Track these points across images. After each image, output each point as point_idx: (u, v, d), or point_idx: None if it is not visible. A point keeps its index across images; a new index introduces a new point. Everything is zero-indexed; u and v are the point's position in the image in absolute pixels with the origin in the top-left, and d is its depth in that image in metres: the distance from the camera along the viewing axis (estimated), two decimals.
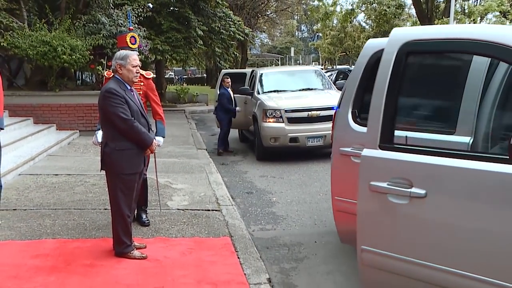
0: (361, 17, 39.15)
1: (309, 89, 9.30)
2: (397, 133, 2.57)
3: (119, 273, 3.48)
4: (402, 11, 32.10)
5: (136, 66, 3.65)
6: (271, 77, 9.86)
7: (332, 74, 18.70)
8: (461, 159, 2.26)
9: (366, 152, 2.58)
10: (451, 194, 2.29)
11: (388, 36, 2.68)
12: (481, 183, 2.18)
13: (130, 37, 5.34)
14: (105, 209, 4.87)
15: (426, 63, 3.04)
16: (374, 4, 32.22)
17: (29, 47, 9.35)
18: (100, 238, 4.19)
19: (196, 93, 22.02)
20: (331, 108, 7.22)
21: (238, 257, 3.82)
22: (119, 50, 4.03)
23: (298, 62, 47.40)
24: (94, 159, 7.43)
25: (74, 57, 9.56)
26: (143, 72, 4.54)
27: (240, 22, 19.46)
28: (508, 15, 25.66)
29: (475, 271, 2.21)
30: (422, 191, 2.33)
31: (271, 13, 35.72)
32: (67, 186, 5.93)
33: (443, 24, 17.97)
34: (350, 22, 38.26)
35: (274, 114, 8.07)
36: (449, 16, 17.95)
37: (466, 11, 26.06)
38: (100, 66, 10.41)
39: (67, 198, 5.40)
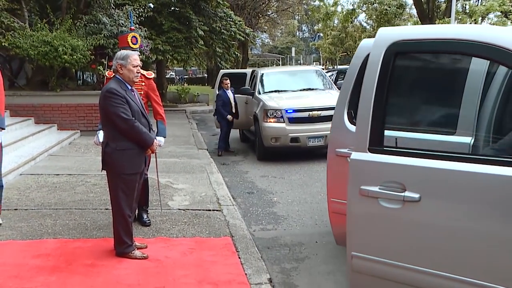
0: (362, 17, 39.17)
1: (310, 89, 9.30)
2: (387, 135, 2.51)
3: (120, 273, 3.48)
4: (403, 11, 32.05)
5: (137, 66, 3.65)
6: (272, 77, 9.87)
7: (332, 74, 18.70)
8: (457, 161, 2.22)
9: (355, 155, 2.51)
10: (446, 198, 2.23)
11: None
12: (478, 186, 2.14)
13: (132, 37, 5.34)
14: (106, 209, 4.87)
15: (415, 63, 2.97)
16: (375, 4, 32.18)
17: (30, 47, 9.37)
18: (101, 238, 4.19)
19: (197, 93, 22.02)
20: (332, 108, 7.20)
21: (239, 257, 3.82)
22: (120, 50, 4.04)
23: (299, 62, 47.45)
24: (95, 159, 7.43)
25: (75, 57, 9.57)
26: (144, 72, 4.54)
27: (241, 22, 19.46)
28: (509, 15, 25.61)
29: (472, 276, 2.17)
30: (416, 195, 2.28)
31: (272, 13, 35.71)
32: (68, 186, 5.93)
33: (445, 24, 17.94)
34: (351, 22, 38.22)
35: (275, 114, 8.08)
36: (450, 16, 17.93)
37: (468, 11, 26.03)
38: (101, 66, 10.43)
39: (68, 198, 5.40)
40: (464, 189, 2.19)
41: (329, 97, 8.40)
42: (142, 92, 4.49)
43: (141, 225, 4.51)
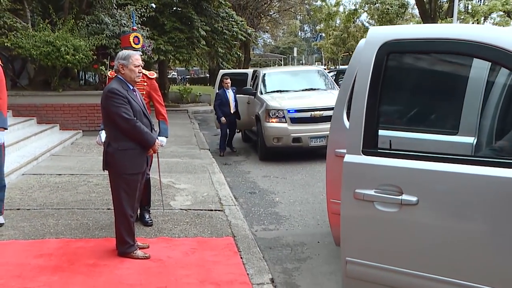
0: (364, 17, 39.15)
1: (312, 89, 9.30)
2: (381, 136, 2.47)
3: (122, 273, 3.48)
4: (405, 10, 32.00)
5: (138, 66, 3.65)
6: (274, 77, 9.86)
7: (333, 74, 18.65)
8: (456, 163, 2.18)
9: (349, 158, 2.46)
10: (445, 201, 2.19)
11: None
12: (477, 188, 2.10)
13: (134, 37, 5.36)
14: (108, 209, 4.88)
15: (408, 63, 2.95)
16: (377, 4, 32.15)
17: (32, 47, 9.39)
18: (103, 238, 4.19)
19: (199, 93, 22.04)
20: None
21: (241, 257, 3.82)
22: (122, 50, 4.04)
23: (301, 62, 47.40)
24: (97, 159, 7.44)
25: (77, 57, 9.59)
26: (146, 72, 4.54)
27: (243, 22, 19.46)
28: None
29: (471, 280, 2.14)
30: (414, 198, 2.23)
31: (274, 13, 35.70)
32: (70, 186, 5.94)
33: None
34: (353, 22, 38.22)
35: (277, 114, 8.08)
36: (452, 16, 17.89)
37: (470, 10, 25.96)
38: (103, 66, 10.45)
39: (70, 198, 5.41)
40: (464, 192, 2.15)
41: (331, 97, 8.36)
42: (144, 92, 4.49)
43: (143, 225, 4.51)
